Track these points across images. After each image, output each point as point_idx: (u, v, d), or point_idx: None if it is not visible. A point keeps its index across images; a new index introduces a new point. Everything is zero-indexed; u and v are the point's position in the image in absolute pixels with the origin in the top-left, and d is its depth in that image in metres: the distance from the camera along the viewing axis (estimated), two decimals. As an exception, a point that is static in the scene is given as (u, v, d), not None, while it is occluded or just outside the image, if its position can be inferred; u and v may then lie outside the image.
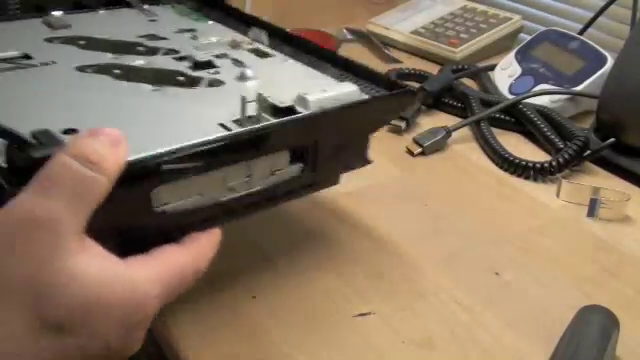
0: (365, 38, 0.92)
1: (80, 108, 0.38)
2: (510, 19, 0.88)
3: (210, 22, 0.55)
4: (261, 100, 0.38)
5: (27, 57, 0.44)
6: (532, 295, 0.45)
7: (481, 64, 0.82)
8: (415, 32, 0.88)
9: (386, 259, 0.48)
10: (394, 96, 0.42)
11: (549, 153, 0.63)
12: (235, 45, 0.49)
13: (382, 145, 0.64)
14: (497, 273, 0.47)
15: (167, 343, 0.40)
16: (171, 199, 0.34)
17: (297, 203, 0.52)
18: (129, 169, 0.30)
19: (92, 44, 0.48)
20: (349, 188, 0.56)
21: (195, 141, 0.33)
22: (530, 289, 0.46)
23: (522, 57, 0.76)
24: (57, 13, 0.53)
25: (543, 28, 0.79)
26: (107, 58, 0.45)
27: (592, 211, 0.54)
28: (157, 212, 0.33)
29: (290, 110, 0.38)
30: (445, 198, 0.56)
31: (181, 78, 0.43)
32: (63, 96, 0.39)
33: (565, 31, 0.76)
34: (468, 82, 0.78)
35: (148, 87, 0.41)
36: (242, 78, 0.43)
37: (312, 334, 0.41)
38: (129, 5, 0.58)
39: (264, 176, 0.38)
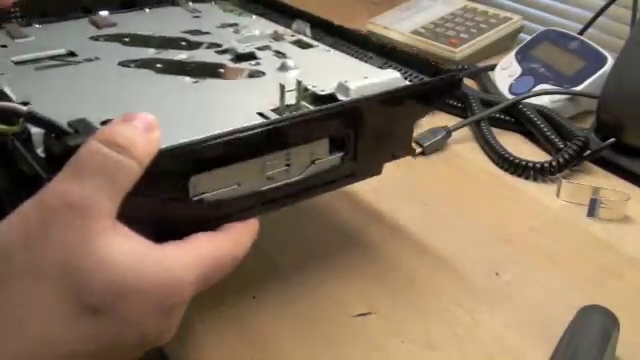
0: (365, 38, 0.92)
1: (120, 100, 0.38)
2: (510, 19, 0.88)
3: (254, 17, 0.55)
4: (301, 88, 0.38)
5: (72, 54, 0.45)
6: (532, 295, 0.45)
7: (481, 64, 0.82)
8: (415, 32, 0.88)
9: (386, 259, 0.48)
10: (437, 82, 0.41)
11: (549, 153, 0.63)
12: (277, 37, 0.49)
13: (382, 145, 0.64)
14: (497, 273, 0.47)
15: (167, 343, 0.40)
16: (209, 188, 0.34)
17: (297, 203, 0.52)
18: (166, 155, 0.30)
19: (136, 41, 0.48)
20: (350, 188, 0.57)
21: (232, 128, 0.33)
22: (530, 289, 0.46)
23: (522, 57, 0.76)
24: (103, 13, 0.53)
25: (543, 28, 0.79)
26: (150, 53, 0.46)
27: (592, 211, 0.54)
28: (194, 201, 0.33)
29: (331, 98, 0.38)
30: (445, 198, 0.56)
31: (221, 70, 0.43)
32: (104, 89, 0.40)
33: (565, 31, 0.76)
34: (468, 82, 0.78)
35: (189, 80, 0.41)
36: (283, 68, 0.43)
37: (312, 334, 0.41)
38: (174, 3, 0.58)
39: (303, 165, 0.37)
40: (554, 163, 0.58)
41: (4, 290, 0.27)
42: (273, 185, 0.36)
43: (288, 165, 0.36)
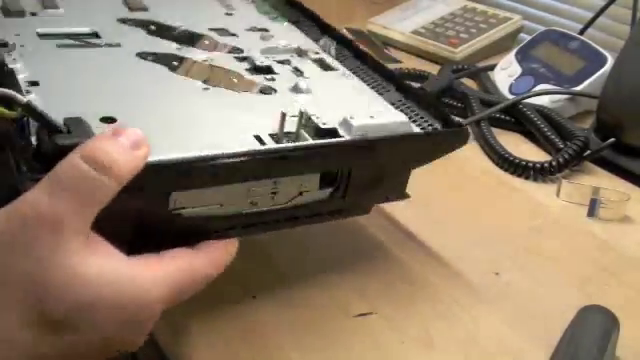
0: (365, 38, 0.92)
1: (127, 95, 0.38)
2: (510, 19, 0.88)
3: (285, 23, 0.54)
4: (304, 118, 0.37)
5: (96, 35, 0.45)
6: (532, 295, 0.45)
7: (481, 64, 0.82)
8: (415, 32, 0.88)
9: (386, 259, 0.48)
10: (443, 134, 0.40)
11: (549, 153, 0.63)
12: (300, 53, 0.48)
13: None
14: (497, 273, 0.47)
15: (167, 343, 0.40)
16: (189, 204, 0.33)
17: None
18: (149, 170, 0.30)
19: (161, 30, 0.48)
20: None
21: (221, 152, 0.32)
22: (530, 289, 0.46)
23: (522, 57, 0.76)
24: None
25: (543, 28, 0.79)
26: (170, 48, 0.45)
27: (592, 211, 0.54)
28: (173, 214, 0.33)
29: (332, 132, 0.37)
30: (445, 198, 0.56)
31: (235, 80, 0.42)
32: (115, 81, 0.39)
33: (565, 31, 0.76)
34: (468, 82, 0.78)
35: (200, 84, 0.41)
36: (295, 89, 0.42)
37: (312, 334, 0.41)
38: None
39: (290, 195, 0.37)
40: (554, 163, 0.58)
41: None
42: (256, 210, 0.36)
43: (274, 193, 0.36)
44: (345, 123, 0.37)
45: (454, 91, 0.72)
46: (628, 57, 0.61)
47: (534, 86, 0.70)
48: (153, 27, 0.48)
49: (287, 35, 0.51)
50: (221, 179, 0.33)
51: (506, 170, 0.60)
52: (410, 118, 0.41)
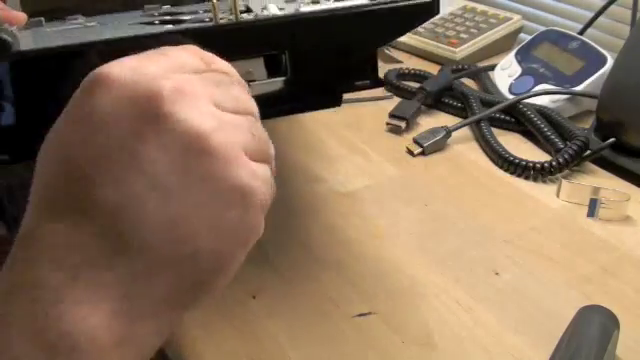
0: (365, 38, 0.92)
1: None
2: (510, 19, 0.88)
3: None
4: (237, 6, 0.35)
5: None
6: (532, 295, 0.45)
7: (481, 64, 0.82)
8: (415, 32, 0.88)
9: (386, 259, 0.48)
10: (395, 4, 0.37)
11: (549, 153, 0.63)
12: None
13: (382, 145, 0.64)
14: (497, 273, 0.47)
15: (168, 342, 0.40)
16: None
17: (297, 203, 0.52)
18: (54, 54, 0.30)
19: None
20: (349, 188, 0.57)
21: (134, 33, 0.31)
22: (530, 289, 0.46)
23: (522, 57, 0.76)
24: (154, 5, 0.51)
25: (543, 28, 0.79)
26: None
27: (592, 211, 0.54)
28: None
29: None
30: (445, 198, 0.56)
31: (207, 20, 0.41)
32: (92, 33, 0.39)
33: (565, 31, 0.76)
34: (468, 82, 0.78)
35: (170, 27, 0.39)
36: (263, 10, 0.39)
37: (312, 334, 0.41)
38: None
39: None
40: (554, 163, 0.58)
41: None
42: None
43: None
44: (295, 11, 0.35)
45: (454, 91, 0.72)
46: (628, 57, 0.61)
47: (534, 86, 0.70)
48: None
49: None
50: None
51: (506, 170, 0.60)
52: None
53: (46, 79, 0.30)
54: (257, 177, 0.27)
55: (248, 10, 0.43)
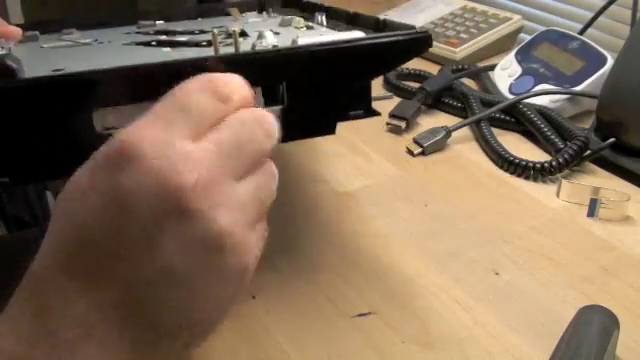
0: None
1: (95, 61, 0.38)
2: (510, 19, 0.88)
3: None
4: (236, 36, 0.35)
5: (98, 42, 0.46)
6: (532, 295, 0.45)
7: (481, 64, 0.82)
8: (415, 32, 0.88)
9: (386, 259, 0.48)
10: (389, 39, 0.38)
11: (549, 153, 0.63)
12: (285, 24, 0.46)
13: (382, 145, 0.64)
14: (497, 273, 0.47)
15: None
16: (120, 124, 0.31)
17: (297, 203, 0.52)
18: (64, 82, 0.29)
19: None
20: (349, 188, 0.57)
21: (136, 63, 0.31)
22: (530, 289, 0.46)
23: (522, 57, 0.76)
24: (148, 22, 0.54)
25: (543, 28, 0.79)
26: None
27: (592, 211, 0.54)
28: (100, 134, 0.32)
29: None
30: (445, 198, 0.56)
31: (204, 44, 0.42)
32: (91, 55, 0.40)
33: (565, 31, 0.76)
34: (468, 82, 0.78)
35: (169, 50, 0.41)
36: (260, 37, 0.40)
37: (312, 334, 0.41)
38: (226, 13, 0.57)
39: None
40: (554, 163, 0.58)
41: None
42: None
43: None
44: (293, 42, 0.36)
45: (454, 91, 0.72)
46: (628, 57, 0.61)
47: (534, 86, 0.70)
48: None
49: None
50: (141, 91, 0.31)
51: (506, 170, 0.60)
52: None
53: (51, 106, 0.30)
54: (258, 254, 0.29)
55: (243, 34, 0.43)
